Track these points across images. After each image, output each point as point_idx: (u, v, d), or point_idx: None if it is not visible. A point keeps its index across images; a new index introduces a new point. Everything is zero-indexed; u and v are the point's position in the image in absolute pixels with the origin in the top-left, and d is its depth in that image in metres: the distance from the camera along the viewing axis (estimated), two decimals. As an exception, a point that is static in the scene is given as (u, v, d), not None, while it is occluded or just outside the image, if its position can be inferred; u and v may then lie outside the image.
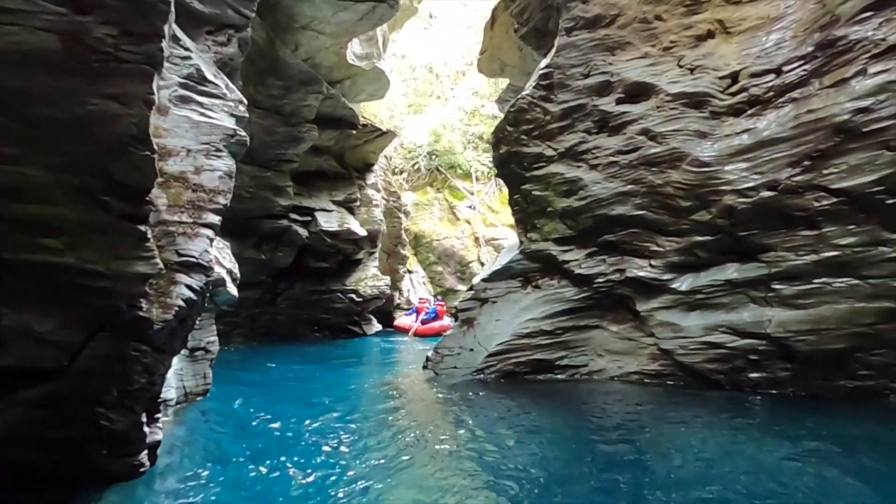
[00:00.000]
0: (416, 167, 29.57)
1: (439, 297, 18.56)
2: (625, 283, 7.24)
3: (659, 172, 6.91)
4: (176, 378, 5.35)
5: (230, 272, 6.05)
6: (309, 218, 13.39)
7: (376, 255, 15.65)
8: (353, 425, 5.33)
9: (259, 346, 12.34)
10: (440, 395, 6.72)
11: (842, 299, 5.90)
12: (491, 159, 8.15)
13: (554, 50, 7.44)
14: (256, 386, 7.49)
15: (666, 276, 7.01)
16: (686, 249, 6.88)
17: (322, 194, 14.00)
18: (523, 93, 7.47)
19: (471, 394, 6.73)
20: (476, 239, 27.18)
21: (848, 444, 4.64)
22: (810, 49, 6.22)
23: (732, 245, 6.63)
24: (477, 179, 29.25)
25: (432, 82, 35.60)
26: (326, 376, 8.29)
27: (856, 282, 5.82)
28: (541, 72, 7.40)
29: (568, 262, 7.47)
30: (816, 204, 5.95)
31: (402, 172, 29.17)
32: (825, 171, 5.90)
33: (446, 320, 15.49)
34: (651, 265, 7.10)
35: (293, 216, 13.05)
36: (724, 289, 6.64)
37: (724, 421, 5.44)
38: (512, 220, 30.15)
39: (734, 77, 6.75)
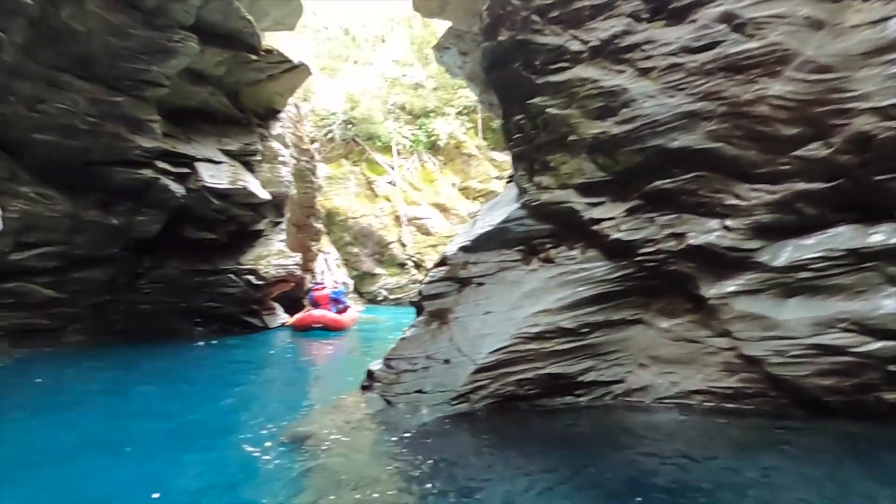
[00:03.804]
0: (329, 136, 25.51)
1: (338, 281, 14.98)
2: (684, 255, 4.59)
3: (748, 82, 4.28)
4: None
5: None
6: (187, 170, 9.35)
7: (283, 226, 11.89)
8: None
9: (104, 350, 8.24)
10: (401, 458, 3.52)
11: None
12: (482, 53, 5.05)
13: None
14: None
15: (750, 245, 4.44)
16: (784, 203, 4.35)
17: (207, 140, 9.97)
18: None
19: (455, 450, 3.69)
20: (397, 218, 23.88)
21: None
22: None
23: (860, 196, 4.21)
24: (398, 153, 25.94)
25: (348, 46, 31.46)
26: (192, 410, 4.76)
27: None
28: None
29: (599, 221, 4.65)
30: None
31: (313, 142, 24.87)
32: None
33: (330, 311, 11.86)
34: (727, 227, 4.49)
35: (161, 165, 8.94)
36: (847, 264, 4.20)
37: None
38: (438, 199, 27.13)
39: (860, -59, 4.31)
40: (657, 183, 4.59)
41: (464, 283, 4.77)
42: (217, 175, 9.64)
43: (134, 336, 9.30)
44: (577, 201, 4.68)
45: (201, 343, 9.36)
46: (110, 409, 4.97)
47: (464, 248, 4.80)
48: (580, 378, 4.64)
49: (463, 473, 3.26)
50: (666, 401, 4.64)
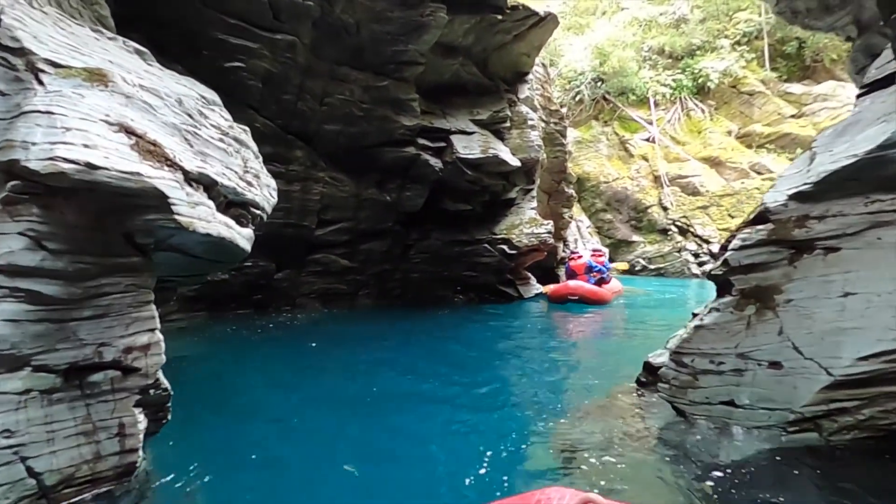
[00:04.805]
0: (577, 98, 23.98)
1: (600, 251, 13.57)
2: None
3: None
4: None
5: (210, 185, 2.43)
6: (443, 144, 9.58)
7: (534, 193, 11.34)
8: None
9: (382, 314, 9.17)
10: None
11: None
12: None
13: None
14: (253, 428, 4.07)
15: None
16: None
17: (459, 113, 10.03)
18: None
19: None
20: (656, 178, 20.93)
21: None
22: None
23: None
24: (656, 105, 22.63)
25: (595, -4, 28.93)
26: (433, 409, 4.46)
27: None
28: None
29: None
30: None
31: (561, 106, 23.78)
32: None
33: (588, 282, 10.98)
34: None
35: (422, 141, 9.36)
36: None
37: None
38: (708, 152, 22.90)
39: None
40: None
41: (801, 247, 3.12)
42: (469, 146, 9.62)
43: (406, 301, 10.21)
44: None
45: (463, 310, 9.65)
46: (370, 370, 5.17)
47: (798, 196, 3.12)
48: None
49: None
50: None
